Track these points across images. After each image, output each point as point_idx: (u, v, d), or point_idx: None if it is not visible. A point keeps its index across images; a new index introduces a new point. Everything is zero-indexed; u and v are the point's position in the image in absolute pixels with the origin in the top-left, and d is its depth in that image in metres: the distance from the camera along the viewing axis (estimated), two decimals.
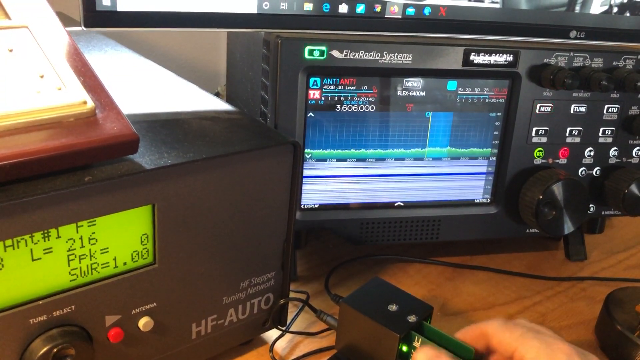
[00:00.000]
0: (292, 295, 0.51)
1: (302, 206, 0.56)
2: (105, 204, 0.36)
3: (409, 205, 0.59)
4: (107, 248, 0.37)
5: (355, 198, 0.58)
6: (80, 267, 0.37)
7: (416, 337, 0.43)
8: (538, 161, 0.60)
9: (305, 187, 0.56)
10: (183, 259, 0.41)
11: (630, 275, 0.65)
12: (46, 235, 0.34)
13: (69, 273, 0.36)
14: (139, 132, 0.37)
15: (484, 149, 0.59)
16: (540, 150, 0.59)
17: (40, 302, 0.35)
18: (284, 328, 0.50)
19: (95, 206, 0.35)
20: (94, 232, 0.36)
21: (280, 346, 0.50)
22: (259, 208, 0.44)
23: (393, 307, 0.45)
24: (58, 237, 0.35)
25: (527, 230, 0.62)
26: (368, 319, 0.44)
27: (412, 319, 0.44)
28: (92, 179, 0.34)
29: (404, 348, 0.44)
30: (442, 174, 0.59)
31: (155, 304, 0.40)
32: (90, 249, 0.37)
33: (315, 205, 0.57)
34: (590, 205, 0.62)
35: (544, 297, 0.60)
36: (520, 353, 0.38)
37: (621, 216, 0.64)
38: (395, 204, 0.59)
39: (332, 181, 0.57)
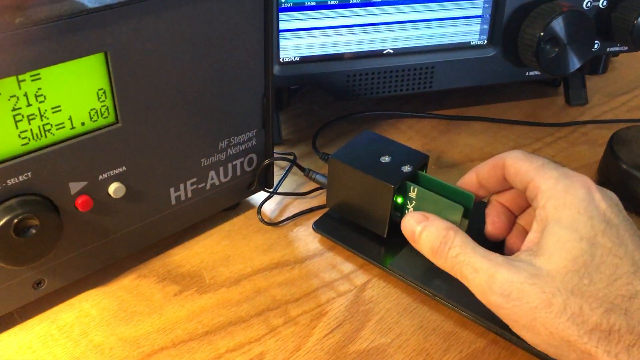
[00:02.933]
0: (278, 156, 0.47)
1: (281, 59, 0.51)
2: (46, 52, 0.30)
3: (399, 52, 0.54)
4: (59, 106, 0.33)
5: (340, 48, 0.52)
6: (32, 129, 0.32)
7: (412, 187, 0.40)
8: None
9: (284, 42, 0.50)
10: (149, 117, 0.36)
11: (633, 117, 0.61)
12: None
13: (19, 136, 0.32)
14: None
15: None
16: None
17: None
18: (271, 190, 0.47)
19: (33, 55, 0.30)
20: (40, 88, 0.31)
21: (269, 208, 0.47)
22: (230, 59, 0.39)
23: (386, 159, 0.42)
24: None
25: (527, 73, 0.57)
26: (359, 172, 0.41)
27: (406, 169, 0.41)
28: (25, 21, 0.29)
29: (399, 200, 0.41)
30: (434, 19, 0.53)
31: (124, 167, 0.37)
32: (39, 108, 0.32)
33: (296, 58, 0.52)
34: (595, 42, 0.57)
35: (544, 143, 0.57)
36: (536, 183, 0.35)
37: (628, 52, 0.59)
38: (385, 52, 0.54)
39: (313, 34, 0.51)
